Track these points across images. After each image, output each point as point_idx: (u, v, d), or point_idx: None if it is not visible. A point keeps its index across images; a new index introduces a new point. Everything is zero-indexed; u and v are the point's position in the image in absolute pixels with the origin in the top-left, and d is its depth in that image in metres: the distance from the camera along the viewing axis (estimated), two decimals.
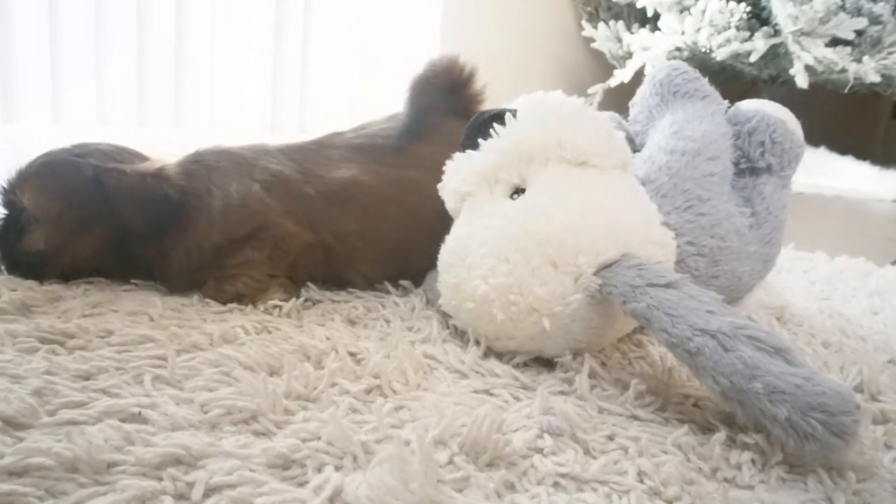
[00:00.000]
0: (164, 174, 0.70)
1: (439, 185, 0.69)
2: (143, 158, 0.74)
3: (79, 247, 0.70)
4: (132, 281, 0.72)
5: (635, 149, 0.78)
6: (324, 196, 0.74)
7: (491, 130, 0.64)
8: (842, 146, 2.46)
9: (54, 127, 1.88)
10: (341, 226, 0.74)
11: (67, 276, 0.70)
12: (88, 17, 1.89)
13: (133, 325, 0.61)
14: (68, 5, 1.86)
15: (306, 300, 0.72)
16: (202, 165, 0.73)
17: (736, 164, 0.76)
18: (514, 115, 0.64)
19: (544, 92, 0.66)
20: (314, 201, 0.73)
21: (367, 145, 0.77)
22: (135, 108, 2.01)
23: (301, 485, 0.41)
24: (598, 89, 2.45)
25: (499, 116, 0.64)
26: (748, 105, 0.79)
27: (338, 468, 0.43)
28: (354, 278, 0.76)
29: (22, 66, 1.82)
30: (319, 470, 0.43)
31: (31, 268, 0.70)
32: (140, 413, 0.47)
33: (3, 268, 0.71)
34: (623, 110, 0.87)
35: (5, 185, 0.70)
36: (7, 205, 0.70)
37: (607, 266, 0.57)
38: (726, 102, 0.80)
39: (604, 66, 2.53)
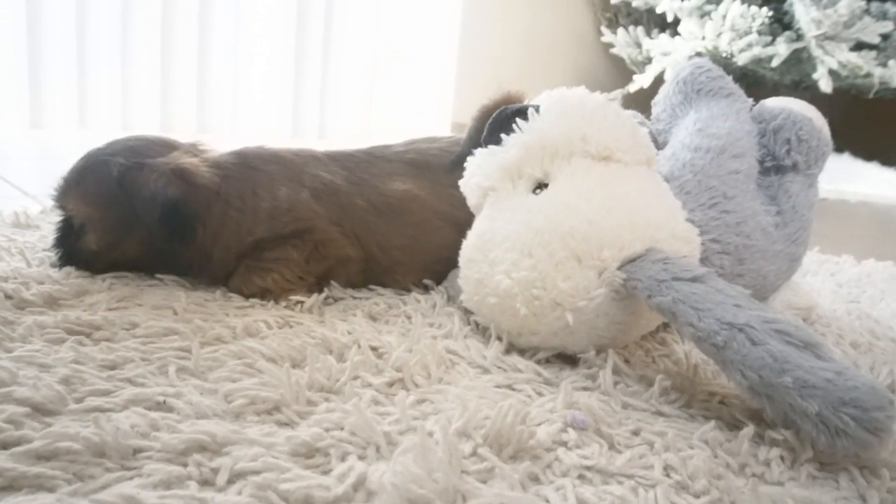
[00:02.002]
0: (188, 170, 0.70)
1: (461, 182, 0.69)
2: (174, 148, 0.74)
3: (126, 245, 0.72)
4: (157, 276, 0.73)
5: (658, 147, 0.77)
6: (375, 208, 0.75)
7: (514, 125, 0.64)
8: (866, 152, 2.42)
9: (81, 132, 1.91)
10: (390, 238, 0.75)
11: (125, 268, 0.73)
12: (114, 25, 1.92)
13: (158, 318, 0.61)
14: (95, 14, 1.89)
15: (328, 297, 0.72)
16: (246, 166, 0.73)
17: (761, 163, 0.75)
18: (537, 111, 0.64)
19: (567, 87, 0.66)
20: (364, 213, 0.74)
21: (421, 161, 0.78)
22: (158, 113, 2.04)
23: (325, 473, 0.41)
24: (617, 95, 2.44)
25: (521, 112, 0.64)
26: (774, 103, 0.78)
27: (361, 458, 0.43)
28: (391, 286, 0.77)
29: (50, 73, 1.86)
30: (343, 459, 0.43)
31: (89, 265, 0.72)
32: (165, 402, 0.47)
33: (58, 263, 0.73)
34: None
35: (54, 194, 0.73)
36: (60, 210, 0.74)
37: (632, 260, 0.57)
38: (751, 100, 0.79)
39: (623, 72, 2.52)
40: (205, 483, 0.39)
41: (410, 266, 0.76)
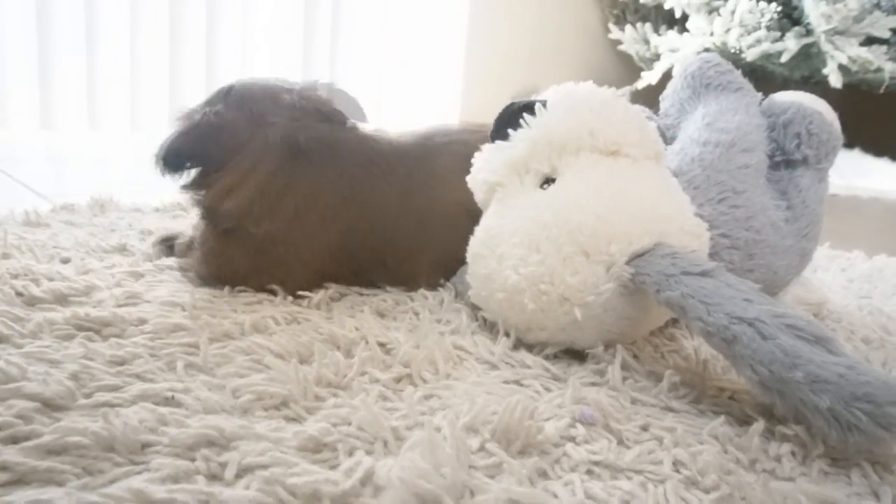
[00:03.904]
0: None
1: (468, 177, 0.68)
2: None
3: None
4: (167, 272, 0.73)
5: (666, 142, 0.77)
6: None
7: (521, 121, 0.64)
8: (877, 147, 2.40)
9: (90, 134, 1.92)
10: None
11: None
12: (123, 27, 1.93)
13: (166, 314, 0.61)
14: (105, 16, 1.90)
15: (334, 292, 0.72)
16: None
17: (771, 157, 0.75)
18: (545, 106, 0.64)
19: (574, 82, 0.65)
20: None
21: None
22: (167, 114, 2.04)
23: (332, 467, 0.41)
24: (625, 91, 2.43)
25: (529, 107, 0.64)
26: (783, 97, 0.78)
27: (369, 453, 0.43)
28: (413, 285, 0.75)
29: (59, 75, 1.87)
30: (350, 454, 0.43)
31: None
32: (173, 397, 0.47)
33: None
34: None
35: None
36: None
37: (640, 255, 0.56)
38: (760, 95, 0.79)
39: (631, 69, 2.51)
40: (213, 477, 0.39)
41: (434, 266, 0.75)
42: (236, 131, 0.69)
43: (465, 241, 0.67)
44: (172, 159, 0.69)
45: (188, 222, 0.87)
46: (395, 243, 0.72)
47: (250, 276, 0.69)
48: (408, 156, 0.74)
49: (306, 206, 0.69)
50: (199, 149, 0.70)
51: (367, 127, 0.76)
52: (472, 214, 0.68)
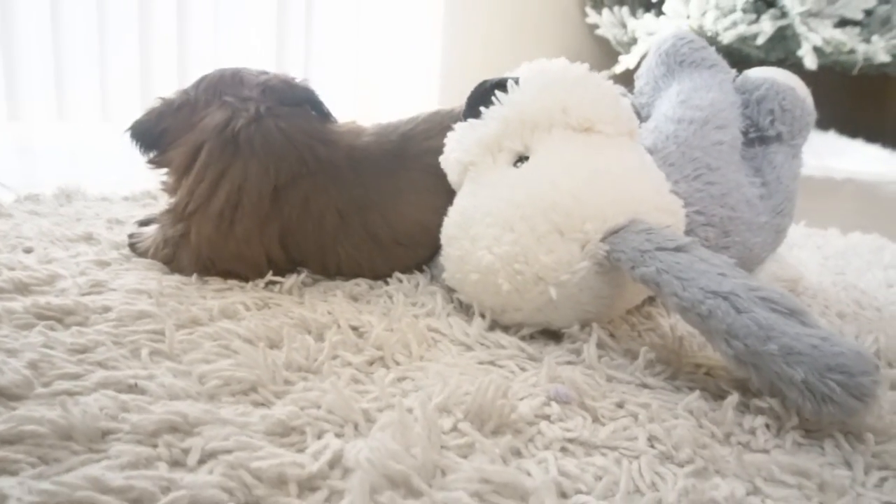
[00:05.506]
0: None
1: (441, 158, 0.67)
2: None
3: None
4: (133, 259, 0.71)
5: (641, 120, 0.76)
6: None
7: (493, 98, 0.63)
8: (852, 129, 2.42)
9: (59, 125, 1.88)
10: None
11: None
12: (91, 15, 1.89)
13: (132, 301, 0.60)
14: (70, 6, 1.85)
15: (307, 277, 0.70)
16: None
17: (745, 134, 0.75)
18: (517, 83, 0.63)
19: (547, 59, 0.64)
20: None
21: None
22: (138, 104, 2.00)
23: (300, 451, 0.40)
24: (603, 76, 2.42)
25: (501, 84, 0.63)
26: (757, 73, 0.77)
27: (338, 435, 0.42)
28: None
29: (26, 64, 1.82)
30: (319, 437, 0.42)
31: None
32: (136, 385, 0.46)
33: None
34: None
35: None
36: None
37: (615, 232, 0.56)
38: (734, 71, 0.78)
39: (608, 53, 2.51)
40: (175, 464, 0.38)
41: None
42: (196, 108, 0.69)
43: (424, 260, 0.68)
44: (139, 135, 0.71)
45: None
46: (338, 256, 0.68)
47: (196, 266, 0.68)
48: (366, 164, 0.68)
49: (240, 209, 0.65)
50: (162, 124, 0.70)
51: (342, 122, 0.74)
52: (435, 233, 0.65)
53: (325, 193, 0.67)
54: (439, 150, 0.66)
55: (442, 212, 0.64)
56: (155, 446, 0.39)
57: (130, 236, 0.75)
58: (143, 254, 0.72)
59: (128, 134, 0.71)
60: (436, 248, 0.66)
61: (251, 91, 0.69)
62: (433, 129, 0.69)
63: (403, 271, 0.70)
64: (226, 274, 0.67)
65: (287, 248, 0.68)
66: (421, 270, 0.71)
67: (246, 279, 0.67)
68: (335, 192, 0.67)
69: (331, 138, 0.69)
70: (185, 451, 0.38)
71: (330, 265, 0.70)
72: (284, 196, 0.67)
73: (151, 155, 0.72)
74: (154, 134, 0.71)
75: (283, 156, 0.66)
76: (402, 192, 0.68)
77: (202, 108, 0.69)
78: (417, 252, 0.69)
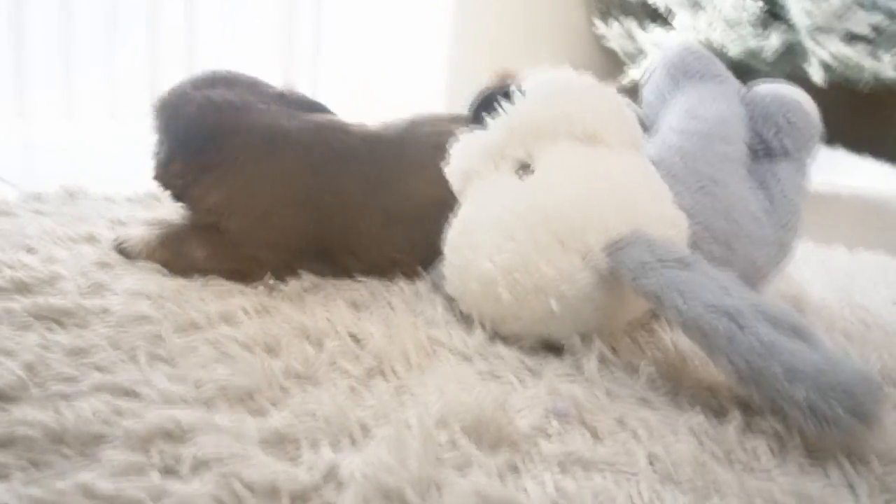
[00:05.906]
0: None
1: (447, 168, 0.67)
2: None
3: None
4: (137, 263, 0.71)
5: (645, 131, 0.76)
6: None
7: (497, 107, 0.62)
8: (859, 146, 2.41)
9: (66, 123, 1.89)
10: None
11: None
12: (99, 13, 1.90)
13: (131, 304, 0.59)
14: (79, 2, 1.87)
15: (308, 283, 0.70)
16: None
17: (751, 147, 0.74)
18: (522, 92, 0.62)
19: (553, 69, 0.64)
20: None
21: None
22: (147, 105, 2.01)
23: (294, 461, 0.39)
24: (608, 87, 2.42)
25: (505, 93, 0.63)
26: (763, 87, 0.77)
27: (334, 447, 0.42)
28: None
29: (34, 62, 1.83)
30: (314, 448, 0.41)
31: None
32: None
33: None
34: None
35: None
36: None
37: (617, 244, 0.55)
38: (739, 83, 0.78)
39: (616, 65, 2.50)
40: (167, 472, 0.37)
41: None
42: (228, 115, 0.70)
43: (438, 235, 0.66)
44: (186, 144, 0.71)
45: (165, 211, 0.85)
46: (359, 232, 0.72)
47: (212, 268, 0.68)
48: (379, 147, 0.73)
49: (281, 199, 0.70)
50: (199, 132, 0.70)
51: (347, 119, 0.76)
52: (445, 207, 0.67)
53: (348, 174, 0.71)
54: (446, 131, 0.70)
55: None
56: (147, 453, 0.38)
57: (115, 239, 0.75)
58: (134, 255, 0.72)
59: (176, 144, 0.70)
60: (447, 223, 0.67)
61: (275, 98, 0.73)
62: (440, 117, 0.77)
63: (418, 248, 0.71)
64: (232, 274, 0.68)
65: (315, 231, 0.71)
66: (435, 250, 0.69)
67: (253, 280, 0.68)
68: (356, 173, 0.71)
69: (348, 129, 0.74)
70: (178, 459, 0.38)
71: (352, 243, 0.72)
72: (314, 182, 0.70)
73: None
74: (199, 140, 0.70)
75: (313, 145, 0.71)
76: (413, 168, 0.72)
77: (231, 115, 0.70)
78: (430, 227, 0.68)
